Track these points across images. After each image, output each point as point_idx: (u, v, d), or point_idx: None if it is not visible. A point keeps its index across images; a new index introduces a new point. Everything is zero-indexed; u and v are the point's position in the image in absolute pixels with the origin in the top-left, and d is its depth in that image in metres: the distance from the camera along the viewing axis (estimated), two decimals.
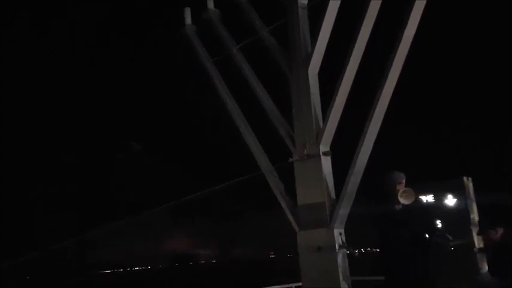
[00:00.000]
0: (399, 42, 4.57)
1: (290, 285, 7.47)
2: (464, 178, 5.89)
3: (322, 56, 4.84)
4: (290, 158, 4.84)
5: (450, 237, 4.97)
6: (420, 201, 5.26)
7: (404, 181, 4.87)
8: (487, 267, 5.67)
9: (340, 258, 4.40)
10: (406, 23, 4.57)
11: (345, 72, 4.60)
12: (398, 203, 4.68)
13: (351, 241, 4.46)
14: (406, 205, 4.76)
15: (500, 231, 4.97)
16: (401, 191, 4.66)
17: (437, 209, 5.54)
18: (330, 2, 4.71)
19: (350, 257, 4.49)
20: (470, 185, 5.80)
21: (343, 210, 4.50)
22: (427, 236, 4.74)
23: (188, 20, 6.00)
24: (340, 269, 4.37)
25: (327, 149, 4.68)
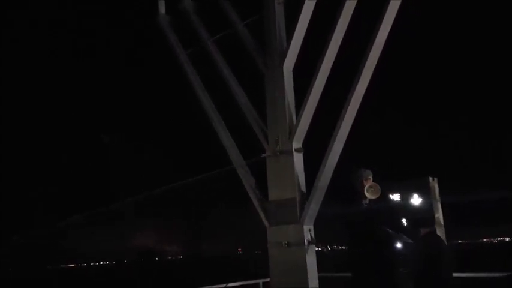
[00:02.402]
0: (373, 41, 4.63)
1: (257, 281, 7.47)
2: (430, 178, 6.02)
3: (297, 53, 4.85)
4: (262, 154, 4.83)
5: (410, 241, 5.08)
6: (389, 199, 5.37)
7: (371, 178, 4.96)
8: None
9: (309, 254, 4.44)
10: (380, 24, 4.63)
11: (319, 70, 4.63)
12: (365, 198, 4.77)
13: (320, 238, 4.50)
14: (376, 204, 4.85)
15: (424, 231, 5.14)
16: (367, 185, 4.76)
17: (404, 208, 5.65)
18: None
19: (319, 253, 4.53)
20: (436, 185, 5.95)
21: (313, 207, 4.53)
22: (394, 239, 4.84)
23: (162, 9, 5.89)
24: (308, 265, 4.40)
25: (299, 145, 4.70)
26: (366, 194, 4.77)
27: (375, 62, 4.60)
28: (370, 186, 4.82)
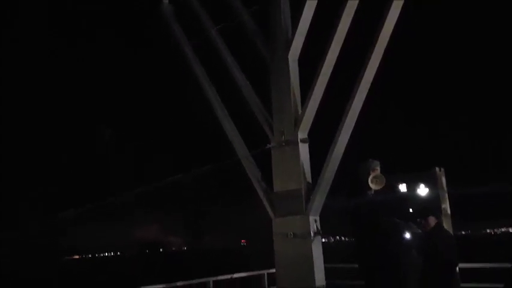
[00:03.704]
0: (380, 31, 4.56)
1: (262, 271, 7.46)
2: (437, 169, 6.00)
3: (303, 42, 4.76)
4: (267, 145, 4.78)
5: (419, 230, 5.04)
6: (396, 190, 5.32)
7: (378, 168, 4.88)
8: None
9: (315, 245, 4.40)
10: (387, 14, 4.56)
11: (325, 59, 4.55)
12: (370, 188, 4.69)
13: (326, 229, 4.46)
14: (381, 195, 4.78)
15: (433, 220, 5.10)
16: (371, 176, 4.68)
17: (411, 198, 5.62)
18: None
19: (325, 244, 4.49)
20: (443, 176, 5.92)
21: (319, 198, 4.49)
22: (402, 229, 4.78)
23: None
24: (314, 256, 4.37)
25: (305, 136, 4.65)
26: (371, 184, 4.70)
27: (383, 50, 4.53)
28: (375, 177, 4.75)
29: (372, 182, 4.69)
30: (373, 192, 4.79)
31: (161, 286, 6.36)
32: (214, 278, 6.80)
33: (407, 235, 4.77)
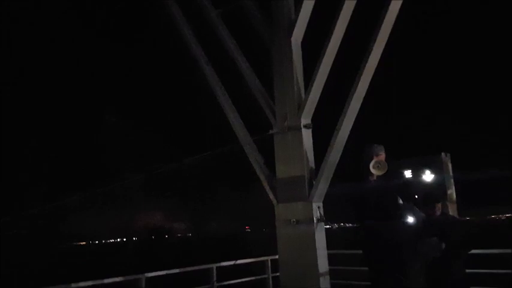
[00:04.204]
0: (384, 15, 4.41)
1: (266, 258, 7.45)
2: (443, 154, 5.90)
3: (306, 24, 4.64)
4: (270, 130, 4.69)
5: (422, 214, 4.97)
6: (400, 176, 5.23)
7: (383, 153, 4.79)
8: None
9: (318, 231, 4.35)
10: None
11: (329, 42, 4.42)
12: (372, 174, 4.61)
13: (330, 216, 4.40)
14: (383, 181, 4.69)
15: (439, 206, 5.05)
16: (373, 161, 4.58)
17: (415, 184, 5.54)
18: None
19: (328, 230, 4.43)
20: (449, 161, 5.83)
21: (323, 184, 4.42)
22: (405, 213, 4.70)
23: None
24: (317, 243, 4.32)
25: (309, 121, 4.55)
26: (372, 170, 4.61)
27: (388, 33, 4.39)
28: (377, 162, 4.66)
29: (373, 167, 4.61)
30: (375, 178, 4.71)
31: (164, 272, 6.36)
32: (218, 264, 6.79)
33: (411, 219, 4.70)
